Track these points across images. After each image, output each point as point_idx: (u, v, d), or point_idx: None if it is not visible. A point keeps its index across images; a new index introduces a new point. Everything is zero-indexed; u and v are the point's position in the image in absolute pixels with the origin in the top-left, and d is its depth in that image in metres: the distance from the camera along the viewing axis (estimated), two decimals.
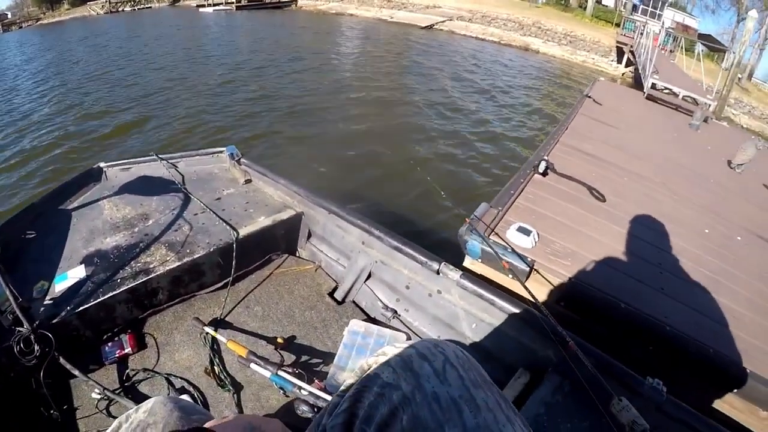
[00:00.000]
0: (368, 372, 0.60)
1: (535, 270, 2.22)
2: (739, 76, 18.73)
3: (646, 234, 2.88)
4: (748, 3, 24.89)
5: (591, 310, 2.14)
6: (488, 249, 2.17)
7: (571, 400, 1.44)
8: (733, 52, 14.19)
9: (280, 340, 1.82)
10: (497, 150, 7.98)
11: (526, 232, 2.39)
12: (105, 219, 2.20)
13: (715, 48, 17.57)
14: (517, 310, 1.64)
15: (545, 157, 3.51)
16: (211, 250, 2.01)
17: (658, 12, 24.18)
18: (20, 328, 1.50)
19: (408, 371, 0.56)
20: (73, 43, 19.56)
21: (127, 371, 1.71)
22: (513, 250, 2.16)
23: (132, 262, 1.90)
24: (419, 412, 0.51)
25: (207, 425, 0.77)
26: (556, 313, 1.63)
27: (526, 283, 2.12)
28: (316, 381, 1.49)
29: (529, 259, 2.12)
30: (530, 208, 2.84)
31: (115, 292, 1.75)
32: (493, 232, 2.39)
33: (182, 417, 0.81)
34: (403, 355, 0.59)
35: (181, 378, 1.70)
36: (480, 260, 2.23)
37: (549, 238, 2.52)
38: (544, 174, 3.35)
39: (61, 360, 1.57)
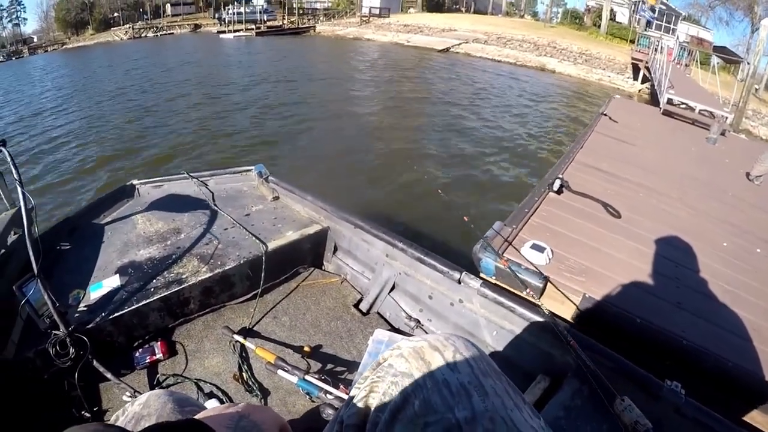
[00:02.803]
0: (383, 364, 0.63)
1: (550, 286, 2.25)
2: (756, 86, 18.44)
3: (663, 249, 2.88)
4: (762, 12, 24.66)
5: (606, 325, 2.15)
6: (502, 266, 2.22)
7: (590, 404, 1.45)
8: (748, 63, 14.06)
9: (306, 349, 1.88)
10: (516, 167, 8.03)
11: (540, 249, 2.43)
12: (138, 233, 2.32)
13: (730, 60, 17.47)
14: (536, 318, 1.67)
15: (560, 176, 3.55)
16: (241, 262, 2.10)
17: (672, 26, 24.21)
18: (56, 332, 1.58)
19: (420, 360, 0.59)
20: (102, 68, 20.49)
21: (157, 376, 1.78)
22: (527, 267, 2.20)
23: (165, 273, 2.00)
24: (430, 397, 0.53)
25: (198, 416, 0.80)
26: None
27: (540, 300, 2.17)
28: (341, 387, 1.53)
29: (543, 276, 2.16)
30: (545, 225, 2.88)
31: (148, 301, 1.84)
32: (507, 250, 2.43)
33: (175, 409, 0.84)
34: (415, 347, 0.61)
35: (210, 383, 1.76)
36: (494, 277, 2.28)
37: (563, 255, 2.56)
38: (559, 192, 3.40)
39: (95, 363, 1.64)
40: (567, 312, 2.22)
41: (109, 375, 1.66)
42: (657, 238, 2.99)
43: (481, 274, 2.37)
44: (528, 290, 2.15)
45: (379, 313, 2.20)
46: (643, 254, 2.78)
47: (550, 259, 2.45)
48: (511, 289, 2.29)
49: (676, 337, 2.07)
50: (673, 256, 2.83)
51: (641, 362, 1.72)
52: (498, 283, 2.30)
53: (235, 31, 38.31)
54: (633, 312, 2.18)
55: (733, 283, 2.69)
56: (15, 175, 1.67)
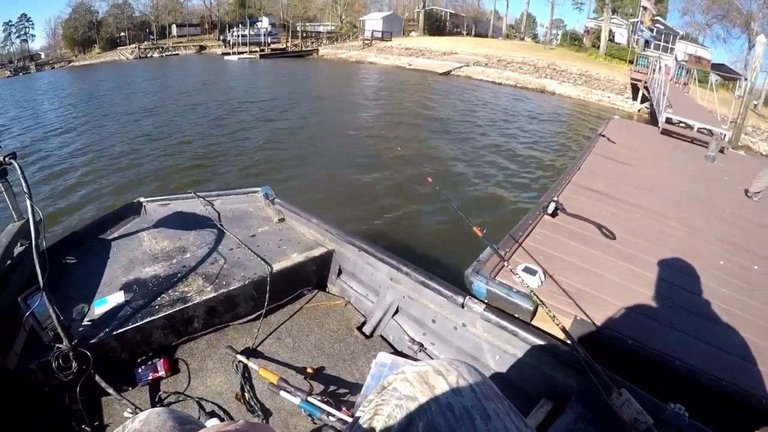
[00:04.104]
0: (387, 388, 0.63)
1: (542, 308, 2.26)
2: (755, 102, 18.53)
3: (657, 269, 2.88)
4: (758, 28, 24.81)
5: (597, 347, 2.15)
6: (493, 289, 2.24)
7: (593, 428, 1.47)
8: (746, 79, 14.11)
9: (309, 370, 1.88)
10: (513, 191, 8.07)
11: (532, 272, 2.45)
12: (144, 250, 2.35)
13: (728, 77, 17.53)
14: (539, 341, 1.69)
15: (555, 198, 3.58)
16: (246, 283, 2.12)
17: (670, 46, 24.42)
18: (59, 345, 1.60)
19: (424, 384, 0.59)
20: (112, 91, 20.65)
21: (159, 393, 1.78)
22: (518, 291, 2.22)
23: (170, 291, 2.02)
24: (434, 420, 0.54)
25: None
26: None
27: (531, 322, 2.18)
28: (343, 409, 1.52)
29: (534, 299, 2.17)
30: (538, 248, 2.90)
31: (152, 318, 1.86)
32: (499, 273, 2.45)
33: (175, 427, 0.83)
34: (420, 371, 0.62)
35: (212, 402, 1.76)
36: (486, 300, 2.29)
37: (556, 278, 2.57)
38: (554, 215, 3.42)
39: (97, 378, 1.65)
40: (558, 335, 2.22)
41: (110, 390, 1.67)
42: (651, 259, 2.99)
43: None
44: (519, 313, 2.17)
45: (382, 336, 2.21)
46: (636, 275, 2.79)
47: (542, 281, 2.47)
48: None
49: (668, 357, 2.07)
50: (668, 276, 2.83)
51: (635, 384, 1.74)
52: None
53: (239, 53, 39.01)
54: (625, 333, 2.18)
55: (728, 301, 2.68)
56: (24, 188, 1.69)
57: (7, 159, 1.80)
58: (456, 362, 0.64)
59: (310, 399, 1.56)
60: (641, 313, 2.43)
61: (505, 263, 2.44)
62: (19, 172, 1.76)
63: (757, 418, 1.89)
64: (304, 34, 44.96)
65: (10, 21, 51.47)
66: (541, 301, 2.09)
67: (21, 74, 40.40)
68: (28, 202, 1.69)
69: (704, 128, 9.21)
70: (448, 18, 49.49)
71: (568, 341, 1.65)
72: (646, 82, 17.84)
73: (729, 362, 2.16)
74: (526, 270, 2.47)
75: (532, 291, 2.16)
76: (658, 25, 26.68)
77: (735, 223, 4.13)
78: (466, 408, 0.55)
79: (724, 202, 4.74)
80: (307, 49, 41.12)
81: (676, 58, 17.21)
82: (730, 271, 3.09)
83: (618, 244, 3.17)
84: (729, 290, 2.83)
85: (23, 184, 1.70)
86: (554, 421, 1.53)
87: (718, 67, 17.82)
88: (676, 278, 2.84)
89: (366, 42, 38.87)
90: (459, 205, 2.94)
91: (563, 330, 1.74)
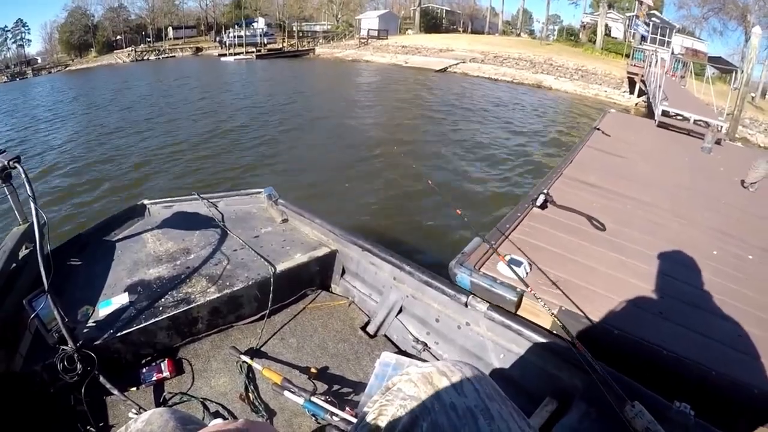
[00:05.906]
0: (392, 388, 0.64)
1: (527, 300, 2.21)
2: (752, 94, 18.47)
3: (648, 260, 2.84)
4: (754, 20, 24.76)
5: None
6: (476, 281, 2.20)
7: (598, 427, 1.46)
8: (741, 71, 14.06)
9: (313, 370, 1.90)
10: (508, 185, 8.04)
11: (517, 264, 2.40)
12: (148, 252, 2.36)
13: (724, 69, 17.53)
14: (543, 340, 1.69)
15: (544, 191, 3.52)
16: (250, 283, 2.13)
17: (666, 39, 24.40)
18: (64, 347, 1.61)
19: (428, 385, 0.60)
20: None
21: (163, 394, 1.79)
22: (501, 282, 2.18)
23: (174, 292, 2.03)
24: (438, 420, 0.55)
25: None
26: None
27: (516, 314, 2.13)
28: (347, 409, 1.53)
29: (518, 290, 2.13)
30: (525, 240, 2.85)
31: (156, 319, 1.87)
32: (484, 265, 2.41)
33: (177, 427, 0.84)
34: (424, 372, 0.63)
35: (216, 403, 1.77)
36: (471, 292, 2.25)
37: (543, 269, 2.53)
38: (543, 207, 3.37)
39: (101, 379, 1.66)
40: (544, 325, 2.18)
41: (115, 391, 1.68)
42: (643, 250, 2.95)
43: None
44: (503, 304, 2.13)
45: (386, 336, 2.22)
46: (626, 266, 2.74)
47: (527, 272, 2.42)
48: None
49: (655, 347, 2.02)
50: (660, 267, 2.78)
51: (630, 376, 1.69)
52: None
53: (235, 54, 39.13)
54: (612, 324, 2.14)
55: (721, 291, 2.63)
56: (28, 191, 1.71)
57: (11, 163, 1.81)
58: (460, 363, 0.66)
59: (314, 399, 1.57)
60: (630, 303, 2.38)
61: (491, 255, 2.40)
62: (23, 175, 1.78)
63: (751, 409, 1.84)
64: (300, 34, 45.11)
65: (5, 26, 51.79)
66: (525, 291, 2.06)
67: (18, 79, 40.70)
68: (32, 205, 1.71)
69: (701, 120, 9.18)
70: (444, 15, 49.60)
71: (571, 340, 1.63)
72: (642, 76, 17.81)
73: (721, 352, 2.12)
74: (512, 261, 2.42)
75: (517, 281, 2.13)
76: (654, 18, 26.76)
77: (730, 214, 4.09)
78: (469, 408, 0.56)
79: (719, 193, 4.70)
80: (304, 48, 41.26)
81: (672, 52, 17.18)
82: (725, 261, 3.04)
83: (608, 235, 3.12)
84: (723, 280, 2.78)
85: (27, 187, 1.72)
86: (559, 420, 1.53)
87: (715, 60, 17.92)
88: (669, 268, 2.79)
89: (362, 41, 38.91)
90: (470, 219, 2.88)
91: (565, 330, 1.72)
